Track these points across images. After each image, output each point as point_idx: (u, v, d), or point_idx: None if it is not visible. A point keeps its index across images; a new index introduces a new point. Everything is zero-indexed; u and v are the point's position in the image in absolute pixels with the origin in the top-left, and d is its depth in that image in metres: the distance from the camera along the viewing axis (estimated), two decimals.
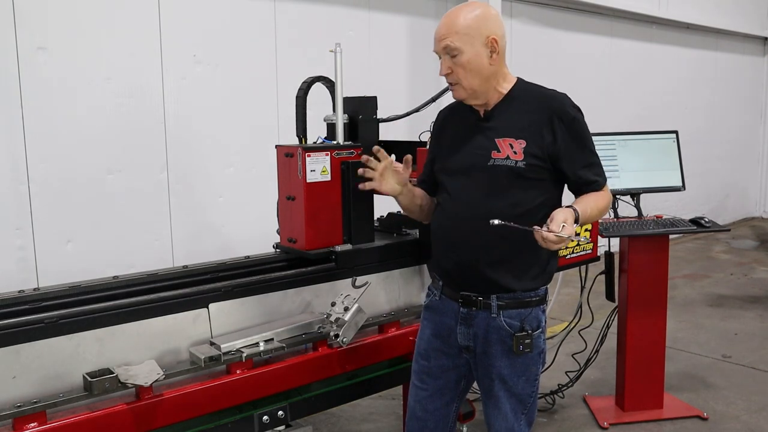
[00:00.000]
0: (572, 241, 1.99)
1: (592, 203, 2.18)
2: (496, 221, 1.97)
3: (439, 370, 2.35)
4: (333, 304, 2.62)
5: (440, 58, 2.21)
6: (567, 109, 2.18)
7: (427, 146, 2.58)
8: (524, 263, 2.20)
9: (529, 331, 2.18)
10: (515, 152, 2.14)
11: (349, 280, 2.72)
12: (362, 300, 2.62)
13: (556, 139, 2.15)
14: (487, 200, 2.16)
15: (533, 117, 2.17)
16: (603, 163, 2.34)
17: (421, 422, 2.40)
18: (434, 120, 2.50)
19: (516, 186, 2.15)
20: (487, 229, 2.02)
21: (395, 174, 2.31)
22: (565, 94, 2.25)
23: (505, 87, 2.23)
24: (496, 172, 2.15)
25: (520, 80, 2.28)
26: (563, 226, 1.95)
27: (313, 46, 4.67)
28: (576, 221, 2.04)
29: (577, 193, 2.25)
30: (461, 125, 2.31)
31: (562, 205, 2.15)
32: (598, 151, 2.33)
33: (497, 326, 2.19)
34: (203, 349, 2.42)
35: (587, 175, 2.21)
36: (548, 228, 1.95)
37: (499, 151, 2.16)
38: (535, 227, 1.96)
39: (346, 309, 2.56)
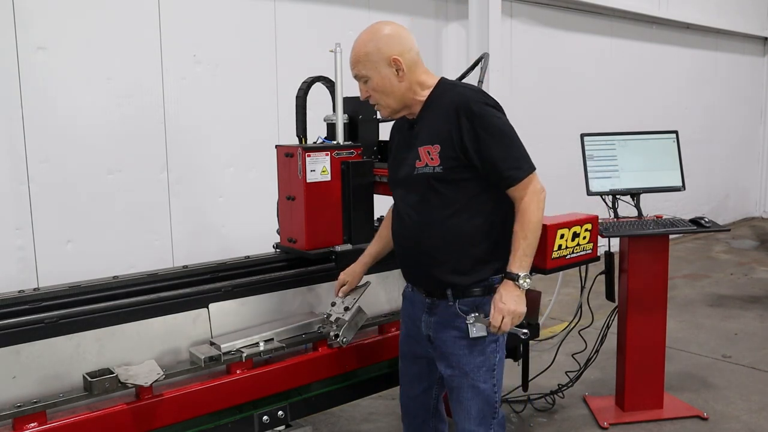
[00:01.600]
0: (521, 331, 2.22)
1: (519, 240, 2.19)
2: (471, 318, 2.21)
3: (413, 357, 2.49)
4: (333, 304, 2.63)
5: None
6: (470, 105, 2.16)
7: None
8: (473, 259, 2.26)
9: (482, 316, 2.23)
10: (432, 159, 2.21)
11: None
12: (362, 300, 2.62)
13: (462, 136, 2.16)
14: (420, 207, 2.27)
15: (444, 119, 2.20)
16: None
17: (405, 407, 2.56)
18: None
19: (441, 190, 2.22)
20: (424, 234, 2.24)
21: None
22: (475, 90, 2.26)
23: (424, 94, 2.28)
24: (422, 180, 2.24)
25: (441, 82, 2.31)
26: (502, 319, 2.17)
27: (313, 46, 4.67)
28: (522, 286, 2.18)
29: (498, 188, 2.21)
30: (401, 138, 2.43)
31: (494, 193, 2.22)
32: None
33: (453, 313, 2.28)
34: (203, 349, 2.42)
35: (500, 170, 2.17)
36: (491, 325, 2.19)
37: (420, 160, 2.24)
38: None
39: (347, 309, 2.57)
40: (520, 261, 2.18)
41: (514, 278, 2.17)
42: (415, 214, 2.28)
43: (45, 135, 3.88)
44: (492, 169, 2.17)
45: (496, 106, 2.22)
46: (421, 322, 2.38)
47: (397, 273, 3.01)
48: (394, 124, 2.52)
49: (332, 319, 2.59)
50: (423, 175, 2.23)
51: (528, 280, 2.17)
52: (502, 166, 2.16)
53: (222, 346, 2.41)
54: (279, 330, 2.56)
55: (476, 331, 2.22)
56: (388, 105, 2.28)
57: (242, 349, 2.43)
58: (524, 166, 2.19)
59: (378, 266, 2.90)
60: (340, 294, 2.62)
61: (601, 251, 3.42)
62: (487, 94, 2.26)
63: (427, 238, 2.26)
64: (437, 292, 2.31)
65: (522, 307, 2.18)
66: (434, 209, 2.23)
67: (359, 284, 2.67)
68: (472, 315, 2.21)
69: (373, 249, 2.65)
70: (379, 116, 3.05)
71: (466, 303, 2.27)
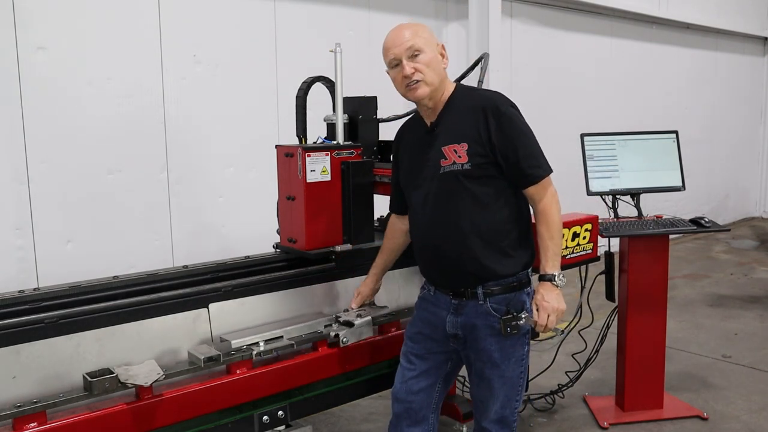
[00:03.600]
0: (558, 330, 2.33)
1: (545, 239, 2.33)
2: (522, 318, 2.31)
3: (427, 353, 2.50)
4: (346, 310, 2.70)
5: (393, 67, 2.34)
6: (498, 106, 2.29)
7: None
8: (500, 251, 2.34)
9: (515, 314, 2.33)
10: (459, 156, 2.30)
11: (353, 280, 2.77)
12: (352, 296, 2.68)
13: (491, 135, 2.27)
14: (447, 206, 2.32)
15: (470, 119, 2.31)
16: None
17: (405, 404, 2.51)
18: (394, 138, 2.65)
19: (470, 186, 2.29)
20: (455, 232, 2.30)
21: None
22: (499, 93, 2.39)
23: (447, 94, 2.39)
24: (448, 179, 2.32)
25: (459, 86, 2.43)
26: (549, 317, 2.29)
27: (313, 46, 4.66)
28: (556, 279, 2.31)
29: (518, 186, 2.34)
30: (414, 141, 2.48)
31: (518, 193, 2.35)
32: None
33: (485, 312, 2.35)
34: (202, 349, 2.42)
35: (523, 168, 2.30)
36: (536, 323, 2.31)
37: (446, 159, 2.32)
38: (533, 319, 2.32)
39: (359, 316, 2.62)
40: (552, 261, 2.32)
41: (551, 278, 2.31)
42: (442, 213, 2.33)
43: (45, 135, 3.88)
44: (515, 166, 2.28)
45: (518, 109, 2.35)
46: (446, 323, 2.42)
47: (397, 273, 3.01)
48: (399, 133, 2.59)
49: (341, 319, 2.63)
50: (451, 172, 2.30)
51: (563, 278, 2.33)
52: (524, 164, 2.29)
53: (221, 346, 2.41)
54: (278, 330, 2.56)
55: (511, 330, 2.31)
56: (432, 82, 2.31)
57: (241, 350, 2.43)
58: (544, 166, 2.33)
59: None
60: (354, 305, 2.71)
61: (601, 251, 3.42)
62: (507, 97, 2.37)
63: (457, 234, 2.31)
64: (467, 291, 2.35)
65: (563, 305, 2.31)
66: (463, 205, 2.29)
67: (379, 306, 2.75)
68: (523, 314, 2.31)
69: (380, 261, 2.74)
70: (378, 116, 3.07)
71: (497, 301, 2.34)
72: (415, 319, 2.57)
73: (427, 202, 2.37)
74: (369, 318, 2.64)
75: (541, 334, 2.41)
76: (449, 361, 2.52)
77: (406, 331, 2.59)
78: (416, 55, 2.28)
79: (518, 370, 2.42)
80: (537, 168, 2.30)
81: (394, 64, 2.33)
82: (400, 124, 2.64)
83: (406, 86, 2.32)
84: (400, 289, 3.03)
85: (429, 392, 2.52)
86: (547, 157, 2.36)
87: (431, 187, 2.35)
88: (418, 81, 2.30)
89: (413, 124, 2.53)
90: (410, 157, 2.48)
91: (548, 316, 2.29)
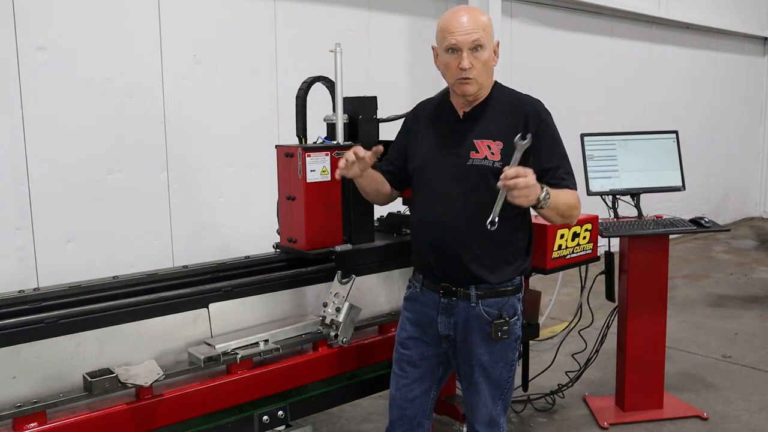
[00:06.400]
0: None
1: (561, 194, 2.24)
2: (493, 225, 2.10)
3: (419, 358, 2.45)
4: (325, 305, 2.63)
5: (449, 53, 2.25)
6: (540, 113, 2.30)
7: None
8: (503, 258, 2.32)
9: (507, 318, 2.31)
10: (493, 153, 2.26)
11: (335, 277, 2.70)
12: (361, 298, 2.61)
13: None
14: (466, 198, 2.27)
15: (508, 119, 2.29)
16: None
17: (401, 410, 2.49)
18: (411, 111, 2.56)
19: (494, 185, 2.19)
20: (467, 226, 2.24)
21: (360, 161, 2.35)
22: (538, 99, 2.37)
23: (487, 91, 2.36)
24: (475, 172, 2.27)
25: (497, 84, 2.40)
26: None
27: (313, 45, 4.66)
28: (539, 200, 2.11)
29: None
30: (440, 124, 2.40)
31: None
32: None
33: (476, 315, 2.31)
34: (202, 349, 2.42)
35: (556, 176, 2.28)
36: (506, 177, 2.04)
37: (477, 152, 2.28)
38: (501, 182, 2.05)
39: (338, 309, 2.57)
40: (554, 192, 2.17)
41: (545, 190, 2.13)
42: (460, 205, 2.28)
43: (45, 135, 3.88)
44: (549, 173, 2.26)
45: (552, 117, 2.36)
46: (437, 323, 2.38)
47: (397, 273, 3.01)
48: (422, 107, 2.50)
49: (327, 321, 2.59)
50: (480, 167, 2.26)
51: (544, 204, 2.13)
52: (558, 172, 2.28)
53: (219, 346, 2.41)
54: (279, 330, 2.55)
55: (502, 335, 2.28)
56: (482, 82, 2.28)
57: (240, 350, 2.42)
58: (573, 180, 2.34)
59: (378, 266, 2.92)
60: (341, 164, 2.36)
61: (601, 251, 3.42)
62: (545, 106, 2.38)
63: (469, 229, 2.26)
64: (459, 291, 2.31)
65: (529, 201, 2.08)
66: (484, 202, 2.19)
67: (344, 281, 2.63)
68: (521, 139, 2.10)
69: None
70: (378, 116, 3.07)
71: (489, 304, 2.31)
72: (403, 323, 2.50)
73: (444, 189, 2.31)
74: (348, 303, 2.55)
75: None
76: (440, 366, 2.49)
77: (397, 337, 2.52)
78: (478, 50, 2.22)
79: (507, 375, 2.39)
80: (569, 179, 2.31)
81: (451, 50, 2.24)
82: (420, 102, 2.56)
83: (459, 78, 2.25)
84: (400, 289, 3.02)
85: (424, 399, 2.49)
86: None
87: (453, 177, 2.29)
88: (470, 78, 2.24)
89: (440, 107, 2.43)
90: (434, 140, 2.39)
91: (518, 178, 2.02)
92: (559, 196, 2.21)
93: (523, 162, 2.14)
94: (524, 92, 2.42)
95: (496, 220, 2.11)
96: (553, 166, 2.28)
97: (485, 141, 2.27)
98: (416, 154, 2.45)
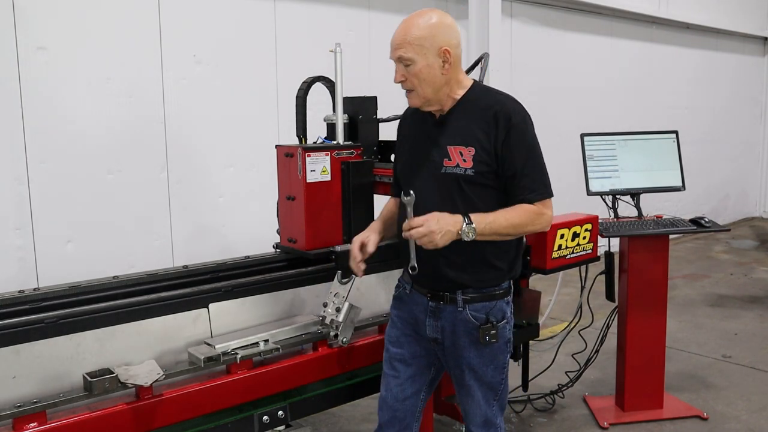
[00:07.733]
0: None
1: (501, 214, 2.17)
2: (414, 270, 2.14)
3: (411, 356, 2.42)
4: (325, 305, 2.63)
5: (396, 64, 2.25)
6: (511, 116, 2.19)
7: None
8: (485, 263, 2.26)
9: (494, 323, 2.26)
10: (464, 160, 2.20)
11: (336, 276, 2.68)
12: (353, 296, 2.61)
13: (498, 144, 2.18)
14: (443, 207, 2.19)
15: (481, 123, 2.21)
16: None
17: (392, 411, 2.45)
18: (402, 115, 2.55)
19: (468, 192, 2.20)
20: None
21: (364, 251, 2.38)
22: (514, 100, 2.27)
23: (459, 93, 2.28)
24: (448, 180, 2.23)
25: (475, 85, 2.32)
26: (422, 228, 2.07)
27: (313, 46, 4.67)
28: (460, 233, 2.09)
29: (510, 203, 2.22)
30: (420, 129, 2.38)
31: None
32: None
33: (464, 319, 2.27)
34: (202, 349, 2.42)
35: (520, 186, 2.20)
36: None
37: (450, 159, 2.23)
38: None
39: (338, 309, 2.56)
40: (484, 219, 2.13)
41: (467, 221, 2.11)
42: (437, 211, 2.19)
43: (45, 135, 3.88)
44: (512, 180, 2.20)
45: (531, 121, 2.25)
46: (425, 326, 2.35)
47: (397, 273, 3.00)
48: (411, 114, 2.46)
49: (327, 321, 2.58)
50: (452, 175, 2.22)
51: (471, 235, 2.11)
52: (522, 182, 2.19)
53: (219, 346, 2.41)
54: (279, 330, 2.55)
55: (490, 339, 2.25)
56: (423, 95, 2.23)
57: (241, 350, 2.42)
58: (540, 189, 2.22)
59: (378, 266, 2.91)
60: (356, 267, 2.38)
61: (601, 251, 3.42)
62: (523, 106, 2.27)
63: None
64: (446, 296, 2.28)
65: (442, 241, 2.08)
66: (458, 210, 2.16)
67: (344, 281, 2.62)
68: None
69: (379, 226, 2.50)
70: (378, 116, 3.07)
71: (476, 309, 2.26)
72: (393, 322, 2.46)
73: (420, 197, 2.24)
74: (348, 303, 2.55)
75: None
76: (432, 367, 2.45)
77: (387, 336, 2.48)
78: (407, 65, 2.20)
79: (498, 377, 2.35)
80: (533, 192, 2.20)
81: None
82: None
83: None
84: None
85: (415, 400, 2.46)
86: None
87: (429, 184, 2.26)
88: (410, 91, 2.24)
89: (420, 111, 2.37)
90: (412, 147, 2.38)
91: (422, 229, 2.05)
92: (499, 220, 2.15)
93: (491, 164, 2.16)
94: (510, 92, 2.32)
95: (415, 264, 2.14)
96: (516, 174, 2.19)
97: (458, 147, 2.22)
98: (399, 160, 2.47)
